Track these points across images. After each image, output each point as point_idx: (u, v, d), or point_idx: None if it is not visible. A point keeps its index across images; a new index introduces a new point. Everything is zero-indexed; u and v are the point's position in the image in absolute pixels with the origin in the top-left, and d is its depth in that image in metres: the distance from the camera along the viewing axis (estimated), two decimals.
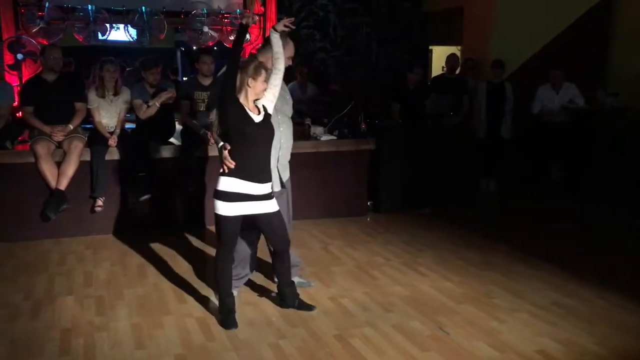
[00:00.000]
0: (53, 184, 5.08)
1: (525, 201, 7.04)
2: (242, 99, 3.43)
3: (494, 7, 7.87)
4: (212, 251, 4.51)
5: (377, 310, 3.81)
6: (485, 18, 7.99)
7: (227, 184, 3.43)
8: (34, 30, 7.00)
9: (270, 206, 3.54)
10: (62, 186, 5.09)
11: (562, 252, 4.98)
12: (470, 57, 8.02)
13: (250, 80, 3.40)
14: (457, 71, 7.82)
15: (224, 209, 3.44)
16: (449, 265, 4.69)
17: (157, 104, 5.52)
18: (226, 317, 3.58)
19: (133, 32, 7.52)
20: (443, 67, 8.18)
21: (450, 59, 7.74)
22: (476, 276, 4.43)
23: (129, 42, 7.60)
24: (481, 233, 5.55)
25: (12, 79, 6.84)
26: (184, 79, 8.63)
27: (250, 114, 3.43)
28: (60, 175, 5.09)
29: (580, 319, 3.66)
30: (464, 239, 5.38)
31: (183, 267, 4.61)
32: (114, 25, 7.42)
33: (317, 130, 6.15)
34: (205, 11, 7.72)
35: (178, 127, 5.91)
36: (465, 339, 3.39)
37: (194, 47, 7.75)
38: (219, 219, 3.48)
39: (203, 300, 3.95)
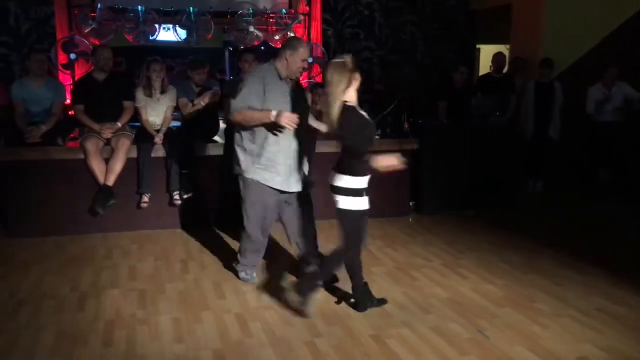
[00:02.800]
0: (101, 179, 5.23)
1: (572, 204, 6.84)
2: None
3: (544, 4, 7.66)
4: None
5: (415, 311, 3.77)
6: (534, 15, 7.79)
7: (361, 181, 3.53)
8: (86, 31, 7.24)
9: None
10: (110, 182, 5.23)
11: (609, 257, 4.82)
12: (518, 56, 7.84)
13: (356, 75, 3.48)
14: (505, 70, 7.66)
15: (365, 203, 3.56)
16: (491, 267, 4.60)
17: (202, 103, 5.61)
18: (366, 300, 3.78)
19: (181, 32, 7.67)
20: (490, 66, 8.02)
21: (497, 57, 7.59)
22: (519, 279, 4.34)
23: (178, 42, 7.76)
24: (525, 236, 5.43)
25: (65, 78, 7.09)
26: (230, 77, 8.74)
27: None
28: (108, 172, 5.24)
29: (625, 327, 3.53)
30: (507, 241, 5.27)
31: (223, 264, 4.68)
32: (162, 25, 7.60)
33: None
34: (252, 11, 7.81)
35: (222, 125, 5.99)
36: (505, 343, 3.32)
37: (241, 47, 7.85)
38: (358, 215, 3.57)
39: (242, 297, 4.00)
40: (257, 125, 3.89)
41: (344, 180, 3.53)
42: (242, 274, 4.30)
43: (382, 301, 3.86)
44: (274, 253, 4.90)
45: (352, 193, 3.53)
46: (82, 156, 5.25)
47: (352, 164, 3.53)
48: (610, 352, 3.20)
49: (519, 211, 6.42)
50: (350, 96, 3.49)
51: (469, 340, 3.37)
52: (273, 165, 3.96)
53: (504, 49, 8.51)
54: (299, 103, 4.00)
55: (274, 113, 3.76)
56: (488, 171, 6.37)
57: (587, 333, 3.45)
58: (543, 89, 7.20)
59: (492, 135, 6.57)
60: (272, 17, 8.03)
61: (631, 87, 7.12)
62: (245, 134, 3.99)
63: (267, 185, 3.99)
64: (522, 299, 3.98)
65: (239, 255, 4.32)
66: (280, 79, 3.93)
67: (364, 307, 3.77)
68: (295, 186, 4.07)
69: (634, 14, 7.68)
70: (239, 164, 4.04)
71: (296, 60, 3.89)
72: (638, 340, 3.35)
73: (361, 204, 3.56)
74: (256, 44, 7.86)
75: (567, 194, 7.20)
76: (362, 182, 3.55)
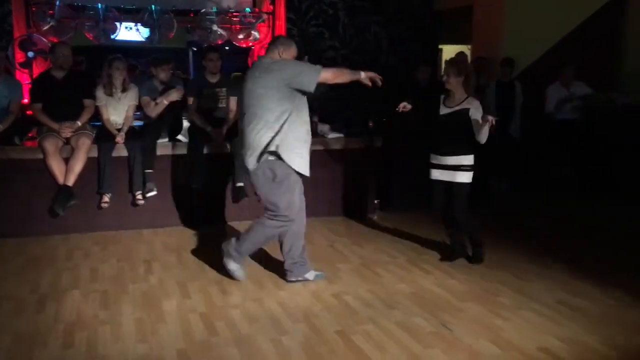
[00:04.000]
0: (61, 180, 5.12)
1: (534, 200, 6.99)
2: None
3: (504, 6, 7.82)
4: (217, 247, 4.50)
5: (380, 307, 3.80)
6: (494, 16, 7.94)
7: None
8: (44, 29, 7.08)
9: None
10: (70, 182, 5.13)
11: (570, 251, 4.94)
12: (480, 56, 7.97)
13: None
14: None
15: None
16: (454, 263, 4.66)
17: (166, 102, 5.55)
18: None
19: (144, 31, 7.56)
20: None
21: (458, 57, 7.69)
22: (481, 274, 4.41)
23: (140, 42, 7.64)
24: (488, 232, 5.48)
25: (23, 77, 6.91)
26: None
27: None
28: (68, 172, 5.13)
29: (585, 318, 3.62)
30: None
31: (188, 264, 4.63)
32: (124, 24, 7.47)
33: (324, 128, 6.14)
34: (215, 10, 7.75)
35: (186, 124, 5.93)
36: (468, 336, 3.37)
37: (204, 46, 7.78)
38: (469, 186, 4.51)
39: (207, 296, 3.96)
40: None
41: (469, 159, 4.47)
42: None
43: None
44: None
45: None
46: (41, 156, 5.13)
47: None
48: (570, 344, 3.27)
49: (482, 209, 6.50)
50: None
51: (434, 334, 3.41)
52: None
53: (465, 49, 8.64)
54: None
55: (362, 74, 4.05)
56: None
57: (548, 325, 3.52)
58: (504, 89, 7.33)
59: None
60: (236, 16, 7.99)
61: (588, 88, 7.30)
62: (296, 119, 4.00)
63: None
64: (484, 293, 4.05)
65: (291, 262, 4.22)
66: None
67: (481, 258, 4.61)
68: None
69: (591, 14, 7.90)
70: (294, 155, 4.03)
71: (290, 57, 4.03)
72: (598, 331, 3.43)
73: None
74: (220, 42, 7.80)
75: (529, 191, 7.34)
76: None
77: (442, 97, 4.63)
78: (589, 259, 4.77)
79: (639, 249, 5.08)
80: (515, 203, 6.97)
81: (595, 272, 4.41)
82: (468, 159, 4.49)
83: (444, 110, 4.59)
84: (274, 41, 4.15)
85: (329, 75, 3.94)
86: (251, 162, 3.98)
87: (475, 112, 4.39)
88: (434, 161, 4.64)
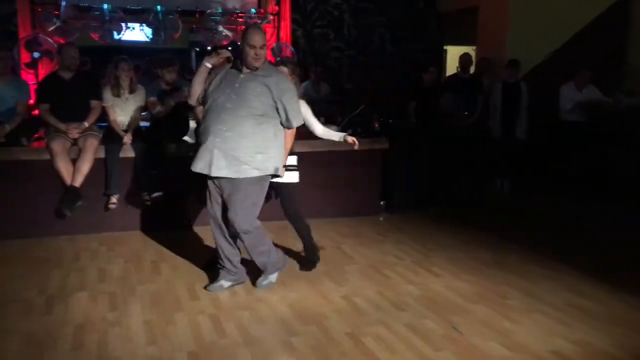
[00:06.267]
0: (68, 181, 5.12)
1: (539, 202, 6.98)
2: None
3: (509, 7, 7.82)
4: None
5: (389, 309, 3.79)
6: (500, 17, 7.94)
7: None
8: (50, 29, 7.09)
9: None
10: (77, 183, 5.12)
11: (577, 253, 4.93)
12: (485, 57, 7.97)
13: None
14: (471, 71, 7.77)
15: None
16: (462, 265, 4.65)
17: (172, 103, 5.54)
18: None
19: (148, 31, 7.57)
20: (457, 67, 8.14)
21: (463, 58, 7.71)
22: (489, 276, 4.40)
23: (144, 42, 7.65)
24: (494, 234, 5.51)
25: (29, 77, 6.92)
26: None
27: None
28: (75, 172, 5.12)
29: (595, 320, 3.61)
30: (476, 239, 5.34)
31: (196, 265, 4.62)
32: (129, 24, 7.48)
33: (330, 129, 6.12)
34: (220, 10, 7.76)
35: (192, 125, 5.92)
36: (478, 339, 3.36)
37: (208, 47, 7.79)
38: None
39: (215, 298, 3.96)
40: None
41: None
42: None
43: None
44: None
45: None
46: (48, 157, 5.12)
47: None
48: (582, 346, 3.26)
49: (488, 210, 6.52)
50: None
51: (444, 337, 3.40)
52: None
53: (470, 50, 8.64)
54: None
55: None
56: (456, 171, 6.46)
57: (558, 327, 3.51)
58: (510, 90, 7.32)
59: (460, 135, 6.67)
60: (241, 17, 8.01)
61: (599, 92, 7.28)
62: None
63: None
64: (493, 295, 4.04)
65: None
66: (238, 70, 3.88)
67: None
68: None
69: (597, 15, 7.89)
70: (274, 161, 3.92)
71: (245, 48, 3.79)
72: (608, 333, 3.43)
73: None
74: (225, 43, 7.80)
75: (535, 192, 7.33)
76: None
77: None
78: (596, 260, 4.77)
79: None
80: (519, 204, 6.96)
81: (603, 273, 4.39)
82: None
83: None
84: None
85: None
86: None
87: None
88: None
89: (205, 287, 4.10)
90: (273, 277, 4.16)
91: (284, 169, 4.11)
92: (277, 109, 3.88)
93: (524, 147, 7.39)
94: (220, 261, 4.06)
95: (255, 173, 3.82)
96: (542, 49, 7.80)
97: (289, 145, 4.15)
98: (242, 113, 3.78)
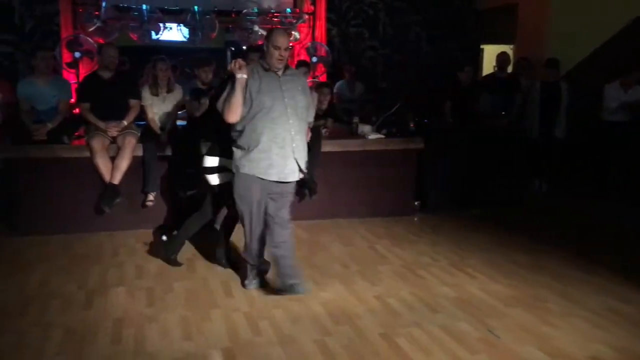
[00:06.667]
0: (107, 178, 5.21)
1: (578, 202, 6.83)
2: None
3: (550, 4, 7.66)
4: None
5: (424, 311, 3.76)
6: (540, 15, 7.79)
7: None
8: (90, 29, 7.24)
9: None
10: (116, 180, 5.21)
11: (618, 257, 4.81)
12: (524, 57, 7.83)
13: None
14: (509, 70, 7.65)
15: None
16: (499, 267, 4.58)
17: (208, 102, 5.59)
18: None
19: (185, 31, 7.67)
20: (494, 66, 8.02)
21: (500, 57, 7.57)
22: (527, 279, 4.32)
23: (181, 42, 7.76)
24: (532, 236, 5.41)
25: (70, 77, 7.08)
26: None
27: None
28: (114, 170, 5.22)
29: (636, 326, 3.52)
30: (514, 241, 5.26)
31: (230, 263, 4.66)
32: (167, 24, 7.60)
33: (364, 128, 6.12)
34: (256, 10, 7.81)
35: None
36: (515, 343, 3.31)
37: (244, 47, 7.85)
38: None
39: (250, 296, 3.99)
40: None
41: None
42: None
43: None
44: None
45: None
46: (88, 154, 5.23)
47: None
48: (622, 352, 3.19)
49: (525, 211, 6.41)
50: None
51: (479, 340, 3.36)
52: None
53: (507, 49, 8.49)
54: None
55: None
56: (493, 171, 6.37)
57: (598, 333, 3.44)
58: (549, 89, 7.17)
59: (498, 135, 6.57)
60: (276, 17, 8.04)
61: None
62: None
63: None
64: (531, 298, 3.97)
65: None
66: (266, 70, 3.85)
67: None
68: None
69: None
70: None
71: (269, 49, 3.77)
72: None
73: None
74: (260, 43, 7.84)
75: (574, 194, 7.18)
76: None
77: None
78: (637, 263, 4.64)
79: None
80: (558, 205, 6.82)
81: None
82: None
83: None
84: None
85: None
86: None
87: None
88: None
89: (243, 285, 4.15)
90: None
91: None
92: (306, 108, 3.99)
93: (563, 146, 7.24)
94: (250, 258, 4.10)
95: (299, 175, 3.95)
96: (583, 47, 7.60)
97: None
98: (299, 114, 3.86)
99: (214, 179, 4.24)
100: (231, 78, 3.80)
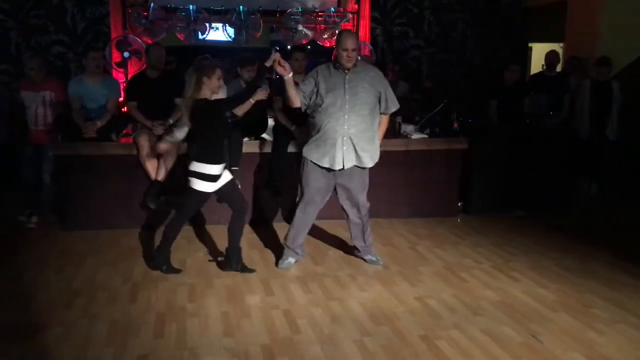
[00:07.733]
0: (153, 175, 5.33)
1: (629, 205, 6.60)
2: None
3: (602, 1, 7.41)
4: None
5: (465, 313, 3.70)
6: (591, 13, 7.55)
7: None
8: (139, 30, 7.40)
9: None
10: (161, 177, 5.32)
11: None
12: (574, 55, 7.61)
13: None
14: (558, 69, 7.45)
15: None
16: (544, 271, 4.47)
17: (252, 101, 5.64)
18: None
19: (231, 31, 7.77)
20: (543, 65, 7.82)
21: (549, 55, 7.39)
22: (573, 284, 4.21)
23: (226, 41, 7.85)
24: (580, 239, 5.26)
25: (119, 76, 7.26)
26: (277, 76, 8.79)
27: None
28: (159, 168, 5.33)
29: None
30: (560, 244, 5.12)
31: (270, 260, 4.70)
32: (213, 24, 7.71)
33: (407, 128, 6.06)
34: (300, 10, 7.84)
35: (271, 122, 6.02)
36: (560, 349, 3.22)
37: (288, 46, 7.89)
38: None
39: (289, 293, 4.00)
40: None
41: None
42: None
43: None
44: (321, 249, 4.92)
45: None
46: (135, 152, 5.36)
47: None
48: None
49: (573, 213, 6.24)
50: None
51: (522, 345, 3.28)
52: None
53: (556, 47, 8.28)
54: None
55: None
56: (540, 172, 6.22)
57: None
58: (600, 89, 6.95)
59: (545, 135, 6.41)
60: (320, 16, 8.05)
61: None
62: None
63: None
64: (576, 304, 3.86)
65: None
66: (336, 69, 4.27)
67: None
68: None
69: None
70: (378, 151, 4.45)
71: (339, 51, 4.18)
72: None
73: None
74: (304, 42, 7.88)
75: (625, 196, 6.94)
76: None
77: None
78: None
79: None
80: (608, 207, 6.61)
81: None
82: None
83: None
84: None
85: None
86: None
87: None
88: None
89: (276, 264, 4.56)
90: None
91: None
92: (379, 100, 4.31)
93: (615, 148, 7.01)
94: (293, 244, 4.52)
95: (370, 163, 4.36)
96: (635, 45, 7.33)
97: (384, 128, 4.55)
98: (359, 109, 4.21)
99: (199, 185, 4.23)
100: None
